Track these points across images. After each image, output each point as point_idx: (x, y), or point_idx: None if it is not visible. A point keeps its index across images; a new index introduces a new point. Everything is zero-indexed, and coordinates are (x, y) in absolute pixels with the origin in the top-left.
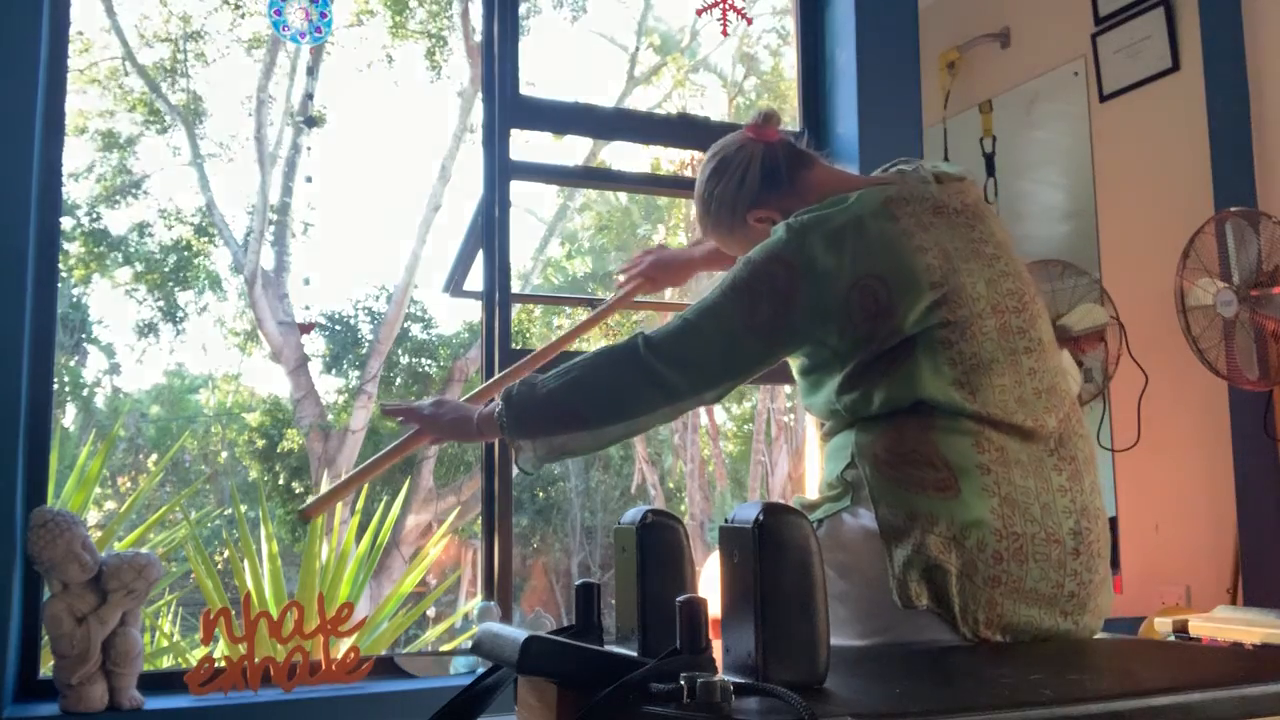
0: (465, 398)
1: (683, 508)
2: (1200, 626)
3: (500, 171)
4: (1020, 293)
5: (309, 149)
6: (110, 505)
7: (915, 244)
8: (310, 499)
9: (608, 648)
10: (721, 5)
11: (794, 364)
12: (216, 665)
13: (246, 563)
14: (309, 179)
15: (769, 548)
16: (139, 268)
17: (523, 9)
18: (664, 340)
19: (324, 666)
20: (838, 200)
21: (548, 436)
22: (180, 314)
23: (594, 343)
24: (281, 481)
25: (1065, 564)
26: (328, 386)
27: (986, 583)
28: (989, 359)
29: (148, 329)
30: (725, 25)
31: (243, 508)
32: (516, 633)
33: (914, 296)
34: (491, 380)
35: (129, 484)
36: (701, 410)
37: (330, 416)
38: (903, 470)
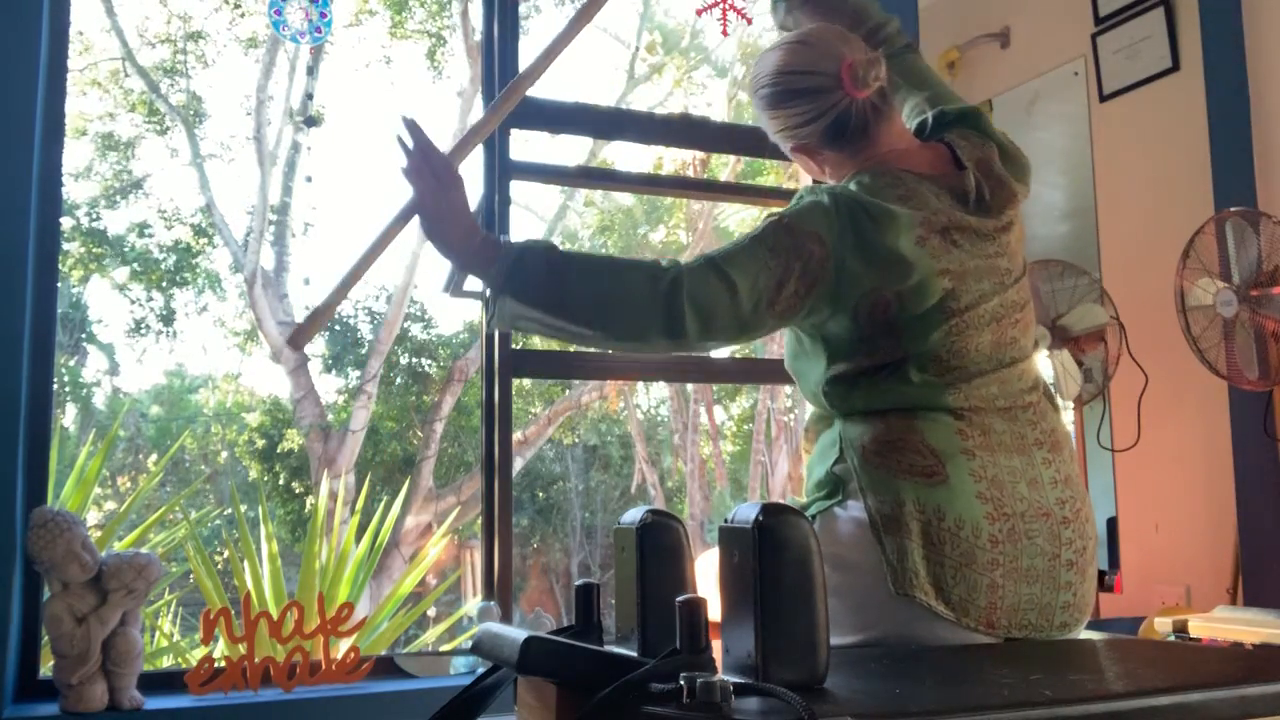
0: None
1: (683, 508)
2: (1200, 626)
3: (500, 171)
4: (1022, 304)
5: (309, 149)
6: (110, 505)
7: (939, 266)
8: (297, 325)
9: (608, 648)
10: (722, 5)
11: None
12: (216, 665)
13: (246, 563)
14: (309, 179)
15: (769, 548)
16: (138, 267)
17: (523, 9)
18: (699, 285)
19: (324, 666)
20: (880, 205)
21: (534, 309)
22: (179, 314)
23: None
24: (281, 481)
25: (1059, 534)
26: (328, 386)
27: (986, 567)
28: (976, 370)
29: (146, 329)
30: (725, 25)
31: (243, 508)
32: (516, 633)
33: (923, 323)
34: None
35: (129, 484)
36: (702, 410)
37: (330, 416)
38: (890, 458)
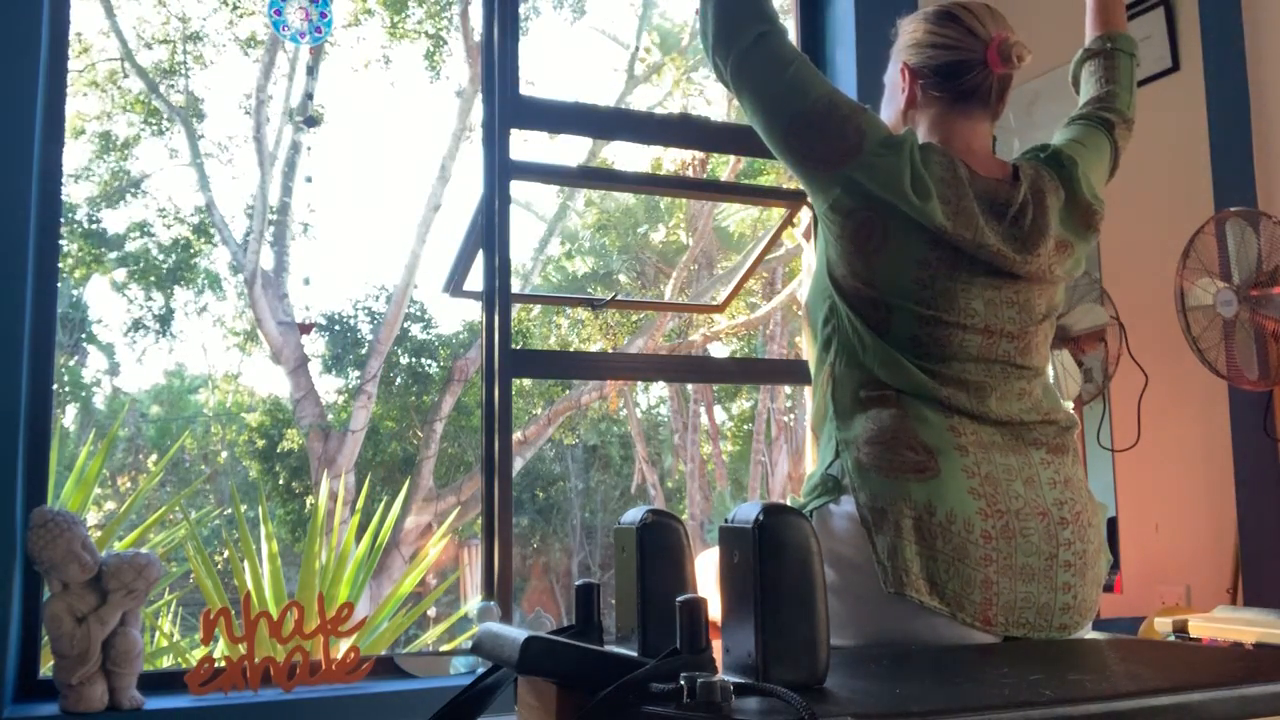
0: None
1: (683, 507)
2: (1200, 626)
3: (500, 171)
4: (1028, 322)
5: (309, 149)
6: (110, 505)
7: (936, 236)
8: None
9: (608, 648)
10: None
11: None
12: (216, 665)
13: (246, 563)
14: (309, 179)
15: (769, 548)
16: (136, 267)
17: (522, 9)
18: (777, 45)
19: (324, 666)
20: (926, 179)
21: None
22: (178, 314)
23: (592, 345)
24: (281, 481)
25: (1055, 534)
26: (328, 386)
27: (979, 563)
28: (962, 369)
29: (146, 329)
30: None
31: (243, 508)
32: (516, 633)
33: (899, 284)
34: None
35: (129, 484)
36: (702, 410)
37: (330, 416)
38: (882, 457)
